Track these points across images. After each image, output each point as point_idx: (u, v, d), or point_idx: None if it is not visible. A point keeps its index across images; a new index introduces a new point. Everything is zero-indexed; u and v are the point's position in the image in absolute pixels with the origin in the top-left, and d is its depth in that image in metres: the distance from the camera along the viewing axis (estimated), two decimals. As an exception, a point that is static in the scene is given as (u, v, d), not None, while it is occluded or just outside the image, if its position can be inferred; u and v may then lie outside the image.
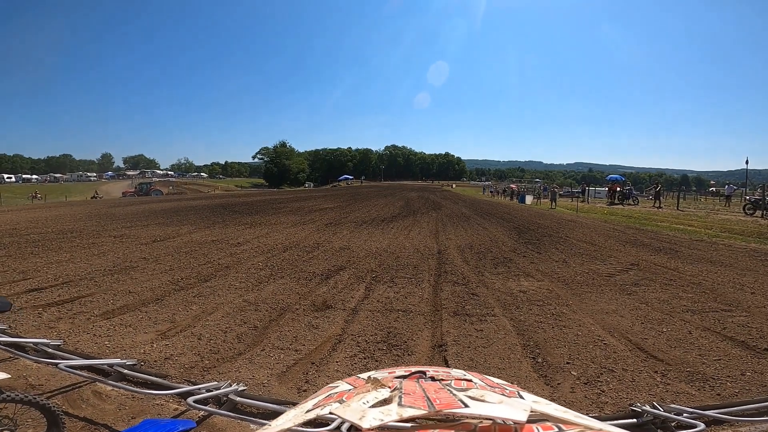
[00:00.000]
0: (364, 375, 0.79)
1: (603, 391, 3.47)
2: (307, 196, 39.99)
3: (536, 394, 3.01)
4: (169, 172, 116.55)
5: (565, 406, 2.49)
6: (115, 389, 3.25)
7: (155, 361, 4.02)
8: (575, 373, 3.83)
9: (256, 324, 5.34)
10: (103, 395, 3.24)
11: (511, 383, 0.72)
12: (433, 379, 0.71)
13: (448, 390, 0.65)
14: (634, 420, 2.85)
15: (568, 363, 4.08)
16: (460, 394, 0.63)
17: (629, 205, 26.43)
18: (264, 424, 2.36)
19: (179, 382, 3.50)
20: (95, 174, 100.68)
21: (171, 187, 58.41)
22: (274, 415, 3.11)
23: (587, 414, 2.88)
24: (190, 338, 4.71)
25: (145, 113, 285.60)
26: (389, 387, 0.67)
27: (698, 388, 3.49)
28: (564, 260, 9.54)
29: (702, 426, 2.41)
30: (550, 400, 2.76)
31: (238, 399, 3.14)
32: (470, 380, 0.71)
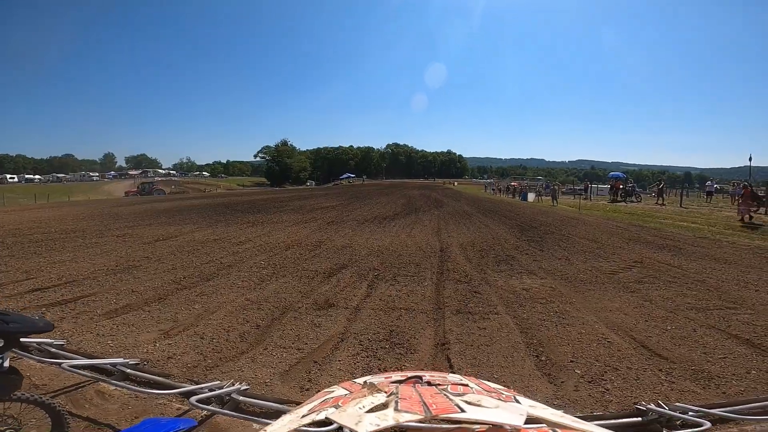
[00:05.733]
0: (360, 380, 0.77)
1: (607, 390, 3.44)
2: (308, 195, 40.02)
3: (540, 393, 2.99)
4: (171, 172, 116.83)
5: (569, 404, 2.46)
6: (118, 389, 3.24)
7: (158, 360, 4.02)
8: (579, 372, 3.81)
9: (258, 323, 5.33)
10: (106, 395, 3.23)
11: (508, 387, 0.69)
12: (429, 383, 0.70)
13: (445, 395, 0.65)
14: (639, 419, 2.82)
15: (572, 361, 4.05)
16: (457, 399, 0.62)
17: (632, 202, 26.23)
18: (266, 423, 2.35)
19: (182, 382, 3.49)
20: (98, 174, 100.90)
21: (173, 187, 58.50)
22: (276, 414, 3.10)
23: (592, 412, 2.85)
24: (192, 337, 4.71)
25: (147, 113, 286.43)
26: (385, 392, 0.66)
27: (703, 387, 3.46)
28: (567, 258, 9.51)
29: (708, 425, 2.38)
30: (555, 399, 2.72)
31: (241, 398, 3.13)
32: (466, 385, 0.70)
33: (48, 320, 3.35)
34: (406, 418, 0.58)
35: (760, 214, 15.83)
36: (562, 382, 3.62)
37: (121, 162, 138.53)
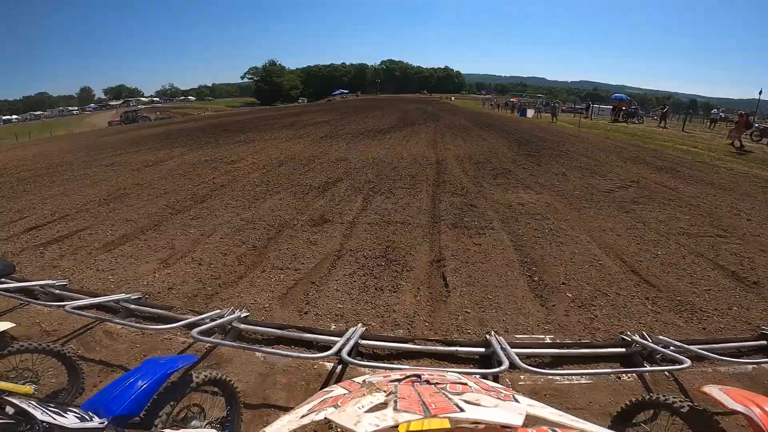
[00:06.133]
0: (359, 379, 0.78)
1: (596, 317, 3.53)
2: (300, 112, 38.54)
3: (532, 316, 3.05)
4: (155, 99, 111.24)
5: (559, 330, 2.51)
6: (125, 327, 3.29)
7: (159, 292, 4.07)
8: (570, 295, 3.91)
9: (254, 243, 5.37)
10: (113, 334, 3.30)
11: (507, 387, 0.72)
12: (428, 382, 0.71)
13: (444, 394, 0.64)
14: (623, 349, 2.94)
15: (564, 283, 4.15)
16: (456, 398, 0.62)
17: (633, 123, 25.33)
18: (267, 353, 2.39)
19: (184, 313, 3.56)
20: (77, 108, 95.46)
21: (158, 113, 55.88)
22: (277, 341, 3.22)
23: (579, 339, 2.94)
24: (191, 264, 4.74)
25: (121, 42, 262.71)
26: (384, 391, 0.66)
27: (686, 320, 3.49)
28: (563, 173, 9.45)
29: (687, 362, 2.40)
30: (545, 324, 2.75)
31: (242, 326, 3.23)
32: (465, 384, 0.70)
33: (9, 262, 3.30)
34: (405, 418, 0.58)
35: (762, 144, 15.63)
36: (553, 305, 3.73)
37: (99, 95, 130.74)
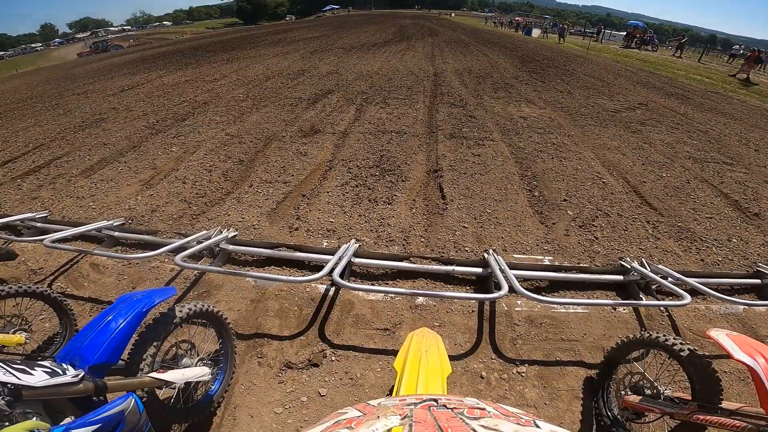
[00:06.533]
0: (374, 402, 0.76)
1: (596, 239, 3.38)
2: (288, 28, 35.83)
3: (531, 234, 2.86)
4: (126, 27, 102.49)
5: (558, 251, 2.27)
6: (111, 258, 3.07)
7: (143, 215, 3.82)
8: (571, 213, 3.76)
9: (241, 157, 5.10)
10: (100, 267, 3.11)
11: (527, 412, 0.69)
12: (445, 407, 0.69)
13: (461, 419, 0.62)
14: (621, 277, 2.82)
15: (565, 200, 3.99)
16: (473, 423, 0.58)
17: (646, 50, 23.67)
18: (258, 278, 2.21)
19: (170, 236, 3.35)
20: (41, 44, 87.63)
21: (132, 41, 51.53)
22: (267, 261, 3.08)
23: (578, 263, 2.73)
24: (174, 183, 4.48)
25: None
26: (399, 415, 0.64)
27: (685, 249, 3.35)
28: (569, 91, 8.99)
29: (689, 299, 2.22)
30: (545, 244, 2.56)
31: (231, 247, 3.06)
32: (484, 408, 0.68)
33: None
34: None
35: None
36: (553, 223, 3.59)
37: (64, 30, 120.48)
